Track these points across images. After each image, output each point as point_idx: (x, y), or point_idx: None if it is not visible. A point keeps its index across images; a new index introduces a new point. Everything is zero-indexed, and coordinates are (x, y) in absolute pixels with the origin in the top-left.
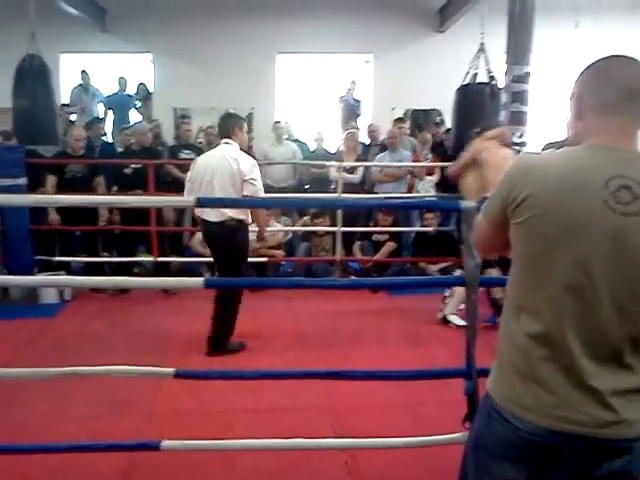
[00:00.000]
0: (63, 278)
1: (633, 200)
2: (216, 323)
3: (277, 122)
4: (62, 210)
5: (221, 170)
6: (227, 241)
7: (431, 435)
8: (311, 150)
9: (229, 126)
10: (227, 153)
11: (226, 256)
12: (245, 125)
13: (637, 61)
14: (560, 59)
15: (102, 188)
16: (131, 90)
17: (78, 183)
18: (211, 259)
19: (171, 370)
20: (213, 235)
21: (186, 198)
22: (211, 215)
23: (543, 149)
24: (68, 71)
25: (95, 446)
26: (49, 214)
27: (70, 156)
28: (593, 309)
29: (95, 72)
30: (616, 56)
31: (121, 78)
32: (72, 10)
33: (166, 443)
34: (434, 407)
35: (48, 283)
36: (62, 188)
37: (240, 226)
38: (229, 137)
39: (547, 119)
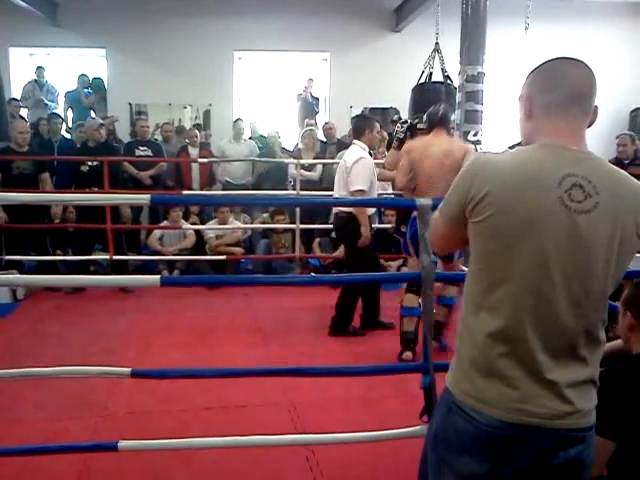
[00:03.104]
0: (14, 277)
1: (585, 198)
2: (338, 308)
3: (237, 120)
4: (9, 207)
5: (339, 169)
6: (340, 231)
7: (391, 429)
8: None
9: (361, 128)
10: (348, 153)
11: (345, 245)
12: (376, 125)
13: (584, 64)
14: (512, 61)
15: (48, 185)
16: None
17: (25, 180)
18: (169, 257)
19: (127, 370)
20: (334, 225)
21: (140, 195)
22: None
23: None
24: (19, 66)
25: (50, 448)
26: None
27: (15, 152)
28: (550, 304)
29: (49, 67)
30: (564, 58)
31: (82, 75)
32: (22, 3)
33: (124, 443)
34: (393, 401)
35: None
36: (8, 185)
37: (350, 218)
38: (358, 138)
39: (503, 118)
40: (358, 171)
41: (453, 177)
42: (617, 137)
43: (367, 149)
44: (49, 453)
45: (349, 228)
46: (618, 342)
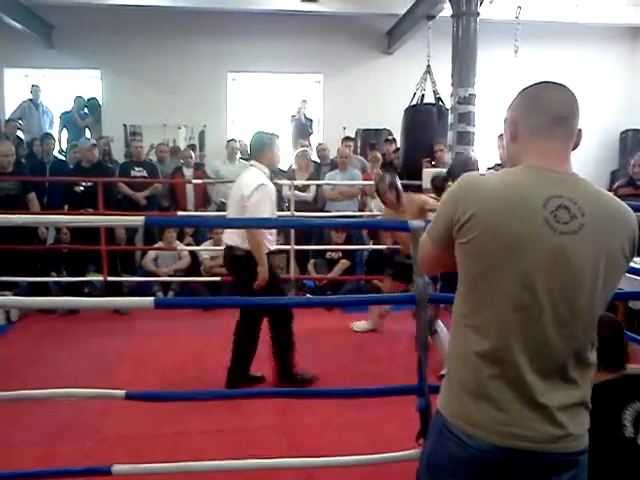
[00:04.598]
0: (8, 299)
1: (571, 219)
2: (275, 356)
3: (230, 141)
4: None
5: (233, 194)
6: (233, 269)
7: (387, 452)
8: None
9: (260, 147)
10: (244, 176)
11: (238, 285)
12: (276, 143)
13: (565, 87)
14: (503, 83)
15: (35, 205)
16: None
17: (11, 201)
18: (164, 278)
19: (121, 392)
20: (225, 259)
21: (134, 217)
22: (227, 239)
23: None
24: (13, 87)
25: (42, 473)
26: None
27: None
28: (538, 326)
29: (44, 88)
30: (546, 82)
31: (78, 97)
32: (17, 25)
33: (118, 467)
34: (389, 424)
35: None
36: None
37: (246, 256)
38: (255, 159)
39: (494, 139)
40: (258, 202)
41: None
42: (632, 156)
43: (268, 172)
44: (41, 478)
45: (246, 268)
46: None
